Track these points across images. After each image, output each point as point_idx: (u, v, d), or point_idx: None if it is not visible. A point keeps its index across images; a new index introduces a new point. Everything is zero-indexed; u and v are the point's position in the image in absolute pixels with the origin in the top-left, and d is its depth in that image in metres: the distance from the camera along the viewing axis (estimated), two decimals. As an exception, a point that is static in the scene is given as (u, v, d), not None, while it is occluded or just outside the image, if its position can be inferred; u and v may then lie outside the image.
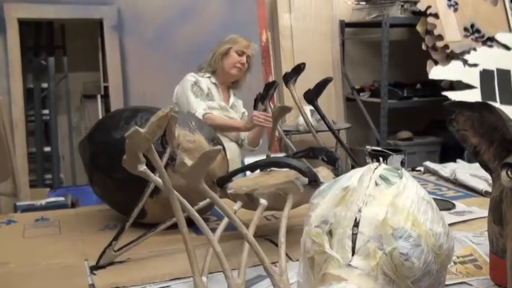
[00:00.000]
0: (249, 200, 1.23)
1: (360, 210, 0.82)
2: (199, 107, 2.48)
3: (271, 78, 4.39)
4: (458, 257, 1.17)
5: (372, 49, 4.86)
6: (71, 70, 4.21)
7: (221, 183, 1.30)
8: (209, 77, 2.66)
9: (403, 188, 0.86)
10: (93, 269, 1.20)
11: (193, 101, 2.50)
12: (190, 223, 1.05)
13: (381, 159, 1.47)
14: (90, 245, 1.35)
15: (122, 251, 1.22)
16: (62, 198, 2.34)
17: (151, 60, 4.10)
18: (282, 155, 2.71)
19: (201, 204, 1.28)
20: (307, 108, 3.26)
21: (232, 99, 2.71)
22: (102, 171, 1.45)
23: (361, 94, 4.75)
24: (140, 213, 1.27)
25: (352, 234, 0.81)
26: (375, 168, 0.89)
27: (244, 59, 2.63)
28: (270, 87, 1.72)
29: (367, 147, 1.68)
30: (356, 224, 0.81)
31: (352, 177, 0.87)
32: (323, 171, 1.30)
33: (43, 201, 2.11)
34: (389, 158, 1.56)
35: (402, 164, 1.58)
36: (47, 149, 4.16)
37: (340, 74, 4.72)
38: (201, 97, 2.54)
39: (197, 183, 0.93)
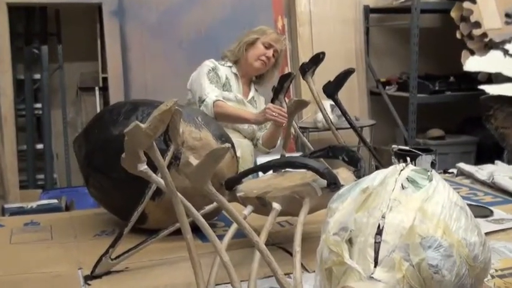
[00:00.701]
0: (261, 204, 1.23)
1: (383, 216, 0.82)
2: (211, 93, 2.49)
3: (287, 70, 4.38)
4: (496, 270, 1.16)
5: (400, 37, 4.83)
6: (67, 60, 4.24)
7: (230, 185, 1.30)
8: (230, 67, 2.68)
9: (433, 191, 0.85)
10: (88, 278, 1.20)
11: (207, 86, 2.53)
12: (196, 229, 1.05)
13: (408, 159, 1.46)
14: (84, 253, 1.35)
15: (119, 259, 1.23)
16: (55, 201, 2.37)
17: (155, 49, 4.11)
18: (298, 154, 2.71)
19: (208, 208, 1.28)
20: (327, 103, 3.25)
21: (252, 93, 2.72)
22: (98, 171, 1.46)
23: (387, 88, 4.73)
24: (140, 217, 1.27)
25: (375, 243, 0.81)
26: (401, 170, 0.88)
27: (270, 52, 2.64)
28: (285, 79, 1.72)
29: (393, 146, 1.67)
30: (379, 232, 0.81)
31: (375, 179, 0.86)
32: (343, 173, 1.29)
33: (34, 204, 2.14)
34: (418, 158, 1.55)
35: (432, 165, 1.58)
36: (39, 146, 4.19)
37: (363, 65, 4.70)
38: (216, 84, 2.56)
39: (203, 185, 0.93)
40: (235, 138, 2.25)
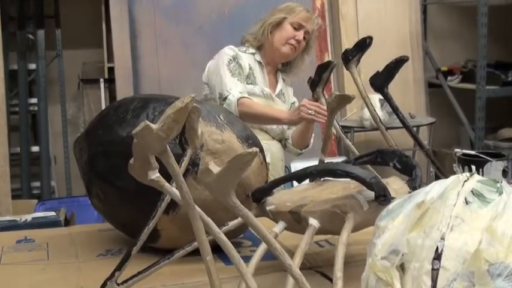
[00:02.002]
0: (295, 220, 1.22)
1: (443, 238, 0.81)
2: (234, 88, 2.48)
3: (327, 57, 4.37)
4: None
5: (465, 17, 4.77)
6: (66, 47, 4.30)
7: (258, 196, 1.30)
8: (253, 54, 2.66)
9: (503, 207, 0.84)
10: (90, 306, 1.22)
11: (229, 80, 2.52)
12: (217, 249, 1.05)
13: (473, 167, 1.44)
14: (86, 276, 1.37)
15: (127, 284, 1.24)
16: (52, 213, 2.39)
17: (170, 35, 4.15)
18: (340, 159, 2.69)
19: (231, 224, 1.28)
20: (375, 98, 3.21)
21: (280, 85, 2.71)
22: (102, 178, 1.47)
23: (449, 78, 4.68)
24: (151, 234, 1.28)
25: (432, 269, 0.80)
26: (465, 180, 0.87)
27: (301, 34, 2.62)
28: (323, 69, 1.71)
29: (456, 150, 1.66)
30: (437, 256, 0.81)
31: (433, 191, 0.86)
32: (395, 183, 1.28)
33: (28, 217, 2.16)
34: (487, 165, 1.54)
35: (504, 173, 1.56)
36: (35, 148, 4.26)
37: (420, 52, 4.66)
38: (239, 77, 2.55)
39: (226, 197, 0.94)
40: (263, 140, 2.24)
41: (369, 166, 1.44)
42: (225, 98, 2.47)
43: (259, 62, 2.66)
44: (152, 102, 1.46)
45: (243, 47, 2.68)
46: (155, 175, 0.98)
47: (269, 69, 2.70)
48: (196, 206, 0.99)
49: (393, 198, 1.13)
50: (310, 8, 3.99)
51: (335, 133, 1.84)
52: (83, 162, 1.54)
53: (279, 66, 2.74)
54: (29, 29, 4.20)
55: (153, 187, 1.00)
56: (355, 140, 4.04)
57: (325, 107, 2.06)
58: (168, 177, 0.99)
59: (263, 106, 2.52)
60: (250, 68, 2.62)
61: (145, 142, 0.94)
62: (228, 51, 2.61)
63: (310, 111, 2.30)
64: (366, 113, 3.96)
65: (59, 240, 1.64)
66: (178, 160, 1.12)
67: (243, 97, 2.46)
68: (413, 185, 1.25)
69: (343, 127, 3.78)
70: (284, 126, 2.61)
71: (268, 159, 1.99)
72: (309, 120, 2.37)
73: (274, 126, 2.60)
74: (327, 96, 1.65)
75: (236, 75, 2.54)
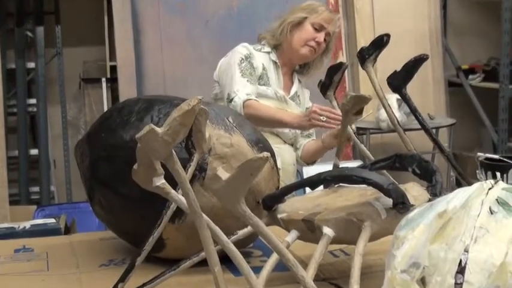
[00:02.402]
0: (308, 229, 1.22)
1: (466, 250, 0.81)
2: (242, 90, 2.47)
3: (341, 56, 4.36)
4: None
5: (487, 12, 4.75)
6: (67, 44, 4.32)
7: (269, 204, 1.30)
8: (268, 53, 2.65)
9: (531, 217, 0.83)
10: (92, 320, 1.22)
11: (238, 80, 2.51)
12: (225, 259, 1.05)
13: (497, 173, 1.43)
14: (88, 287, 1.37)
15: (130, 296, 1.24)
16: (52, 220, 2.40)
17: (175, 31, 4.15)
18: (355, 164, 2.68)
19: (241, 233, 1.28)
20: (393, 98, 3.21)
21: (295, 87, 2.70)
22: (105, 184, 1.47)
23: (470, 77, 4.67)
24: (156, 244, 1.28)
25: (456, 284, 0.80)
26: (490, 188, 0.87)
27: (321, 36, 2.61)
28: (334, 71, 1.70)
29: (479, 154, 1.65)
30: (461, 270, 0.80)
31: (455, 199, 0.85)
32: (414, 190, 1.28)
33: (27, 224, 2.17)
34: (511, 170, 1.53)
35: (530, 179, 1.55)
36: (34, 151, 4.27)
37: (440, 49, 4.65)
38: (249, 77, 2.54)
39: (235, 204, 0.93)
40: (275, 144, 2.23)
41: (385, 171, 1.43)
42: (231, 99, 2.46)
43: (275, 62, 2.65)
44: (157, 104, 1.46)
45: (259, 45, 2.67)
46: (160, 181, 0.98)
47: (285, 70, 2.69)
48: (203, 214, 0.99)
49: (412, 205, 1.13)
50: (324, 3, 3.98)
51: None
52: (85, 167, 1.54)
53: (296, 68, 2.73)
54: (27, 26, 4.21)
55: (158, 194, 1.00)
56: (371, 142, 4.02)
57: (337, 112, 2.05)
58: (173, 183, 0.99)
59: (271, 109, 2.50)
60: (264, 68, 2.61)
61: (149, 147, 0.94)
62: (241, 49, 2.60)
63: (321, 117, 2.29)
64: (383, 114, 3.95)
65: (59, 249, 1.65)
66: (185, 165, 1.12)
67: (250, 99, 2.45)
68: (434, 191, 1.25)
69: (358, 128, 3.78)
70: (297, 130, 2.61)
71: (279, 164, 1.98)
72: (320, 127, 2.36)
73: (287, 130, 2.59)
74: (337, 103, 1.64)
75: (247, 76, 2.53)
